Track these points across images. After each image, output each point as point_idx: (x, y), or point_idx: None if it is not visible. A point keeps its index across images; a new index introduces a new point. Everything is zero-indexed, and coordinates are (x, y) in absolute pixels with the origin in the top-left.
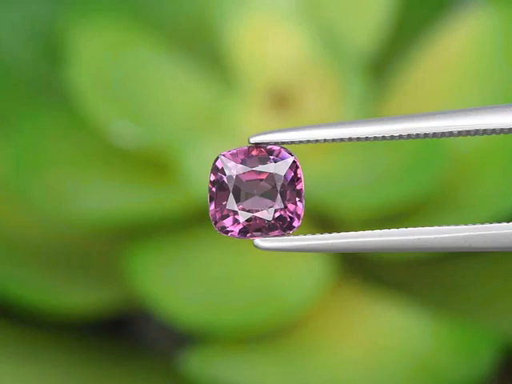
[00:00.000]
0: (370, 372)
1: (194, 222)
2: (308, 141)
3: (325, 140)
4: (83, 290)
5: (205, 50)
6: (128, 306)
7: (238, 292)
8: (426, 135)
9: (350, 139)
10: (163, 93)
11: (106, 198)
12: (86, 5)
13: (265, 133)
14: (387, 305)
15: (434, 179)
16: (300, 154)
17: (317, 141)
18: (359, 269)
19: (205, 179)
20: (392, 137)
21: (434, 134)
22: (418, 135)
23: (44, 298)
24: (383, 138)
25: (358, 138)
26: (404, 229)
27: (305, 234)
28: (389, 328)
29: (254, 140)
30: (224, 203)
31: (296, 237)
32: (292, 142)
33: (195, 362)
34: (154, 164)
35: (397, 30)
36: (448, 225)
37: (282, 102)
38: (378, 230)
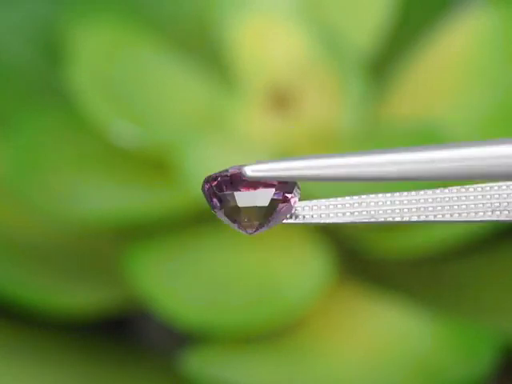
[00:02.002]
0: (370, 372)
1: (194, 222)
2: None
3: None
4: (83, 290)
5: (205, 50)
6: (128, 305)
7: (238, 292)
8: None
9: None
10: (163, 93)
11: (106, 198)
12: (85, 5)
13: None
14: (387, 305)
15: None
16: (300, 154)
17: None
18: (359, 269)
19: None
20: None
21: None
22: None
23: (44, 297)
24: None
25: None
26: (401, 148)
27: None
28: (389, 328)
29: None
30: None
31: (286, 159)
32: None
33: (195, 362)
34: (154, 164)
35: (397, 29)
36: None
37: (282, 102)
38: (377, 153)
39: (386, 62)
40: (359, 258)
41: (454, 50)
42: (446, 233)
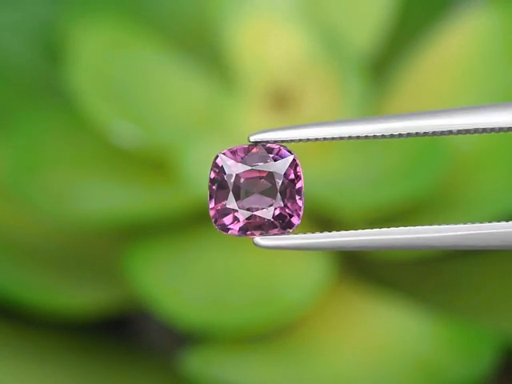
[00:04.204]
0: (370, 372)
1: (194, 222)
2: (308, 139)
3: (324, 138)
4: (83, 289)
5: (205, 49)
6: (128, 305)
7: (239, 292)
8: (425, 133)
9: (350, 137)
10: (163, 93)
11: (106, 198)
12: (85, 5)
13: (265, 131)
14: (387, 305)
15: (433, 179)
16: (300, 153)
17: (316, 139)
18: (359, 269)
19: (205, 179)
20: (391, 135)
21: (434, 133)
22: (417, 133)
23: (44, 297)
24: (382, 136)
25: (358, 137)
26: (403, 228)
27: (304, 233)
28: (389, 328)
29: (253, 138)
30: (224, 202)
31: (295, 235)
32: (292, 141)
33: (195, 362)
34: (154, 164)
35: (397, 30)
36: (447, 223)
37: (281, 102)
38: (377, 229)
39: (385, 62)
40: (359, 258)
41: (453, 50)
42: None
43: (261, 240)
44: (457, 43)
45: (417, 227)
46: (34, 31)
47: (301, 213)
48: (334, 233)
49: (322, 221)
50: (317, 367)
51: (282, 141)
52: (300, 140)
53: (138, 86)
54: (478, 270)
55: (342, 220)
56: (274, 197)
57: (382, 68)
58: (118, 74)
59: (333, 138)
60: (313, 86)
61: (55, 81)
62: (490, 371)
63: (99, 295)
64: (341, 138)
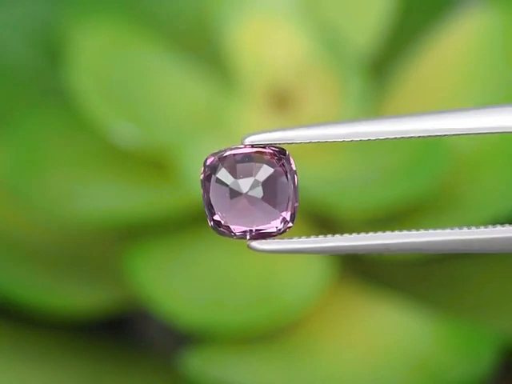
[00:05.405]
0: (370, 372)
1: (194, 222)
2: (308, 141)
3: (324, 140)
4: (83, 289)
5: (205, 49)
6: (128, 305)
7: (238, 292)
8: (428, 136)
9: (350, 137)
10: (163, 93)
11: (106, 198)
12: (85, 5)
13: (259, 132)
14: (387, 305)
15: (433, 179)
16: (299, 153)
17: (315, 141)
18: (359, 269)
19: None
20: (387, 138)
21: (436, 135)
22: (419, 136)
23: (44, 298)
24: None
25: (358, 137)
26: (400, 232)
27: (300, 236)
28: (389, 328)
29: (248, 141)
30: (218, 216)
31: (293, 239)
32: (291, 143)
33: (195, 362)
34: (154, 164)
35: (397, 29)
36: (443, 228)
37: (281, 102)
38: (374, 233)
39: (386, 61)
40: (359, 257)
41: (454, 50)
42: None
43: (257, 244)
44: (457, 43)
45: (412, 232)
46: (34, 31)
47: (295, 215)
48: (330, 237)
49: (321, 221)
50: (317, 367)
51: (279, 143)
52: (298, 142)
53: (138, 86)
54: (478, 269)
55: (342, 220)
56: (270, 213)
57: (381, 68)
58: (118, 74)
59: (332, 139)
60: (313, 86)
61: (55, 81)
62: (490, 371)
63: (99, 295)
64: (341, 139)
